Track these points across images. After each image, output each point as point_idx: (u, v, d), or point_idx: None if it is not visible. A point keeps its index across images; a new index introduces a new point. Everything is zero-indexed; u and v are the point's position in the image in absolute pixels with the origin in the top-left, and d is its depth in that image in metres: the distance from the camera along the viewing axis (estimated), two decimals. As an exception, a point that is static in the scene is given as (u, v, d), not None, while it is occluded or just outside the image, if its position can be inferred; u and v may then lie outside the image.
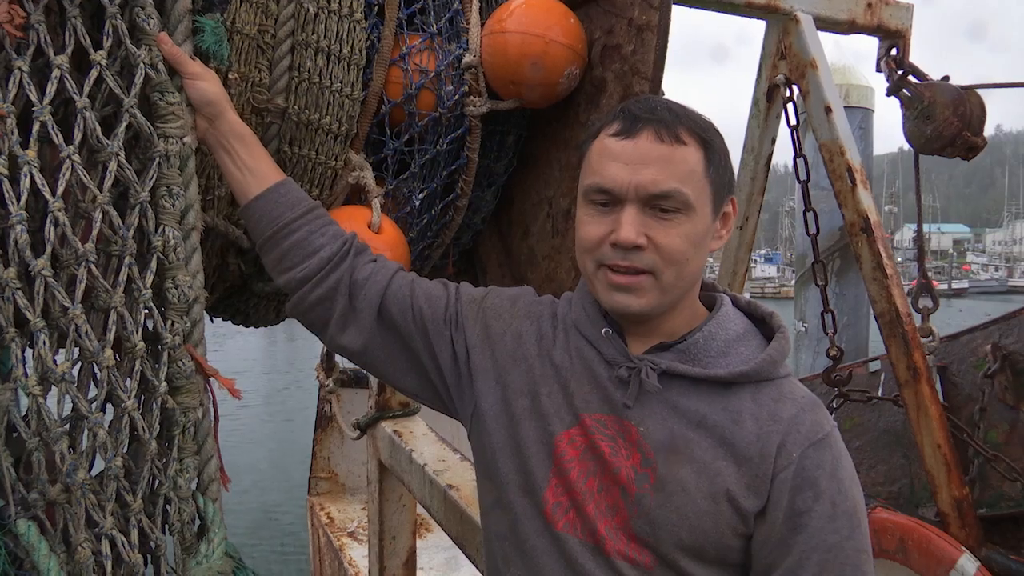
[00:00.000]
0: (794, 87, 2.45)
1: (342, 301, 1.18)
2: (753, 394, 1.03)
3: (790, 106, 2.48)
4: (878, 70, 2.71)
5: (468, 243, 1.95)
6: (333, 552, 3.79)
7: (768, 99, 2.56)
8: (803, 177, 2.56)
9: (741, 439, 1.00)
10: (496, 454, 1.09)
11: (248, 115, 1.40)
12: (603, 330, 1.08)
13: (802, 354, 4.92)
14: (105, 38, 1.05)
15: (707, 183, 1.02)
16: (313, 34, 1.41)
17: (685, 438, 1.01)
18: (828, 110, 2.36)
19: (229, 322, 1.93)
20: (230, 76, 1.35)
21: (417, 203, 1.61)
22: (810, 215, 2.60)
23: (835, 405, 2.78)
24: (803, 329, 4.95)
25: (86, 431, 0.97)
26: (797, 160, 2.54)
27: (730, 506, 0.99)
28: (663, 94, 1.75)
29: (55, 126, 0.99)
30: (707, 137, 1.03)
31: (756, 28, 2.63)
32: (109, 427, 1.01)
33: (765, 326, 1.11)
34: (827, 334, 2.63)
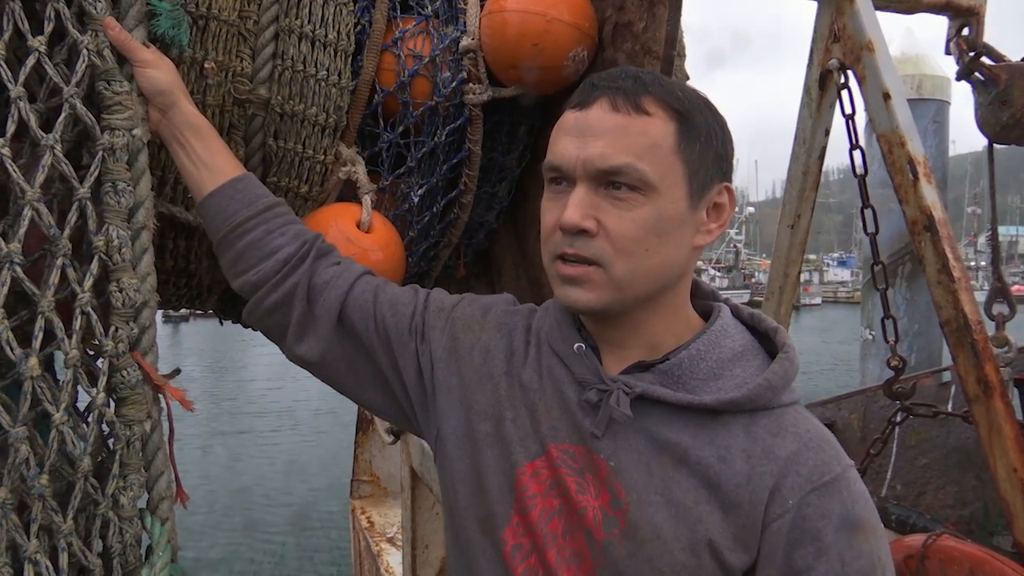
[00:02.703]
0: (849, 72, 2.24)
1: (299, 307, 1.07)
2: (747, 426, 0.87)
3: (844, 93, 2.27)
4: (947, 52, 2.47)
5: (483, 242, 1.83)
6: (371, 557, 3.74)
7: (820, 86, 2.35)
8: (860, 171, 2.35)
9: (728, 480, 0.84)
10: (456, 484, 0.97)
11: (230, 107, 1.32)
12: (575, 346, 0.94)
13: (869, 363, 4.61)
14: (47, 22, 0.98)
15: (678, 161, 0.87)
16: (297, 19, 1.32)
17: (662, 476, 0.86)
18: (887, 97, 2.14)
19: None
20: (206, 65, 1.27)
21: (416, 200, 1.50)
22: (868, 212, 2.39)
23: (898, 420, 2.56)
24: (870, 337, 4.64)
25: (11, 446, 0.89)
26: (853, 152, 2.33)
27: (713, 560, 0.83)
28: (686, 77, 1.60)
29: (-16, 117, 0.92)
30: (682, 109, 0.87)
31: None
32: (48, 442, 0.93)
33: (771, 343, 0.94)
34: (888, 342, 2.41)
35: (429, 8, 1.41)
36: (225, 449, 11.75)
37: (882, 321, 2.42)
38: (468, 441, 0.97)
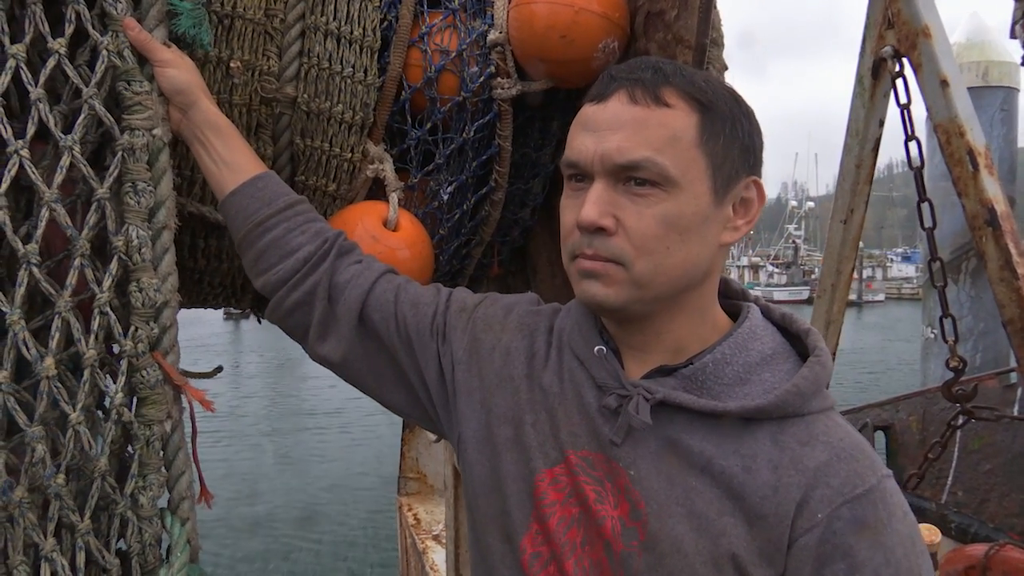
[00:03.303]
0: (904, 60, 2.14)
1: (320, 306, 1.06)
2: (774, 434, 0.82)
3: (899, 82, 2.17)
4: (1012, 36, 2.35)
5: (518, 240, 1.80)
6: (417, 554, 3.75)
7: (874, 75, 2.25)
8: (916, 163, 2.24)
9: (754, 491, 0.80)
10: (476, 488, 0.94)
11: (257, 106, 1.32)
12: (595, 348, 0.90)
13: (931, 363, 4.43)
14: (67, 24, 0.98)
15: (700, 154, 0.82)
16: (323, 16, 1.31)
17: (684, 486, 0.82)
18: (944, 84, 2.03)
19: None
20: (232, 64, 1.27)
21: (446, 197, 1.48)
22: (925, 206, 2.28)
23: (958, 423, 2.44)
24: (932, 336, 4.45)
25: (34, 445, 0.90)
26: (909, 144, 2.23)
27: (737, 575, 0.79)
28: (724, 70, 1.54)
29: (4, 119, 0.93)
30: (705, 100, 0.83)
31: None
32: (65, 441, 0.94)
33: (803, 345, 0.89)
34: (947, 342, 2.30)
35: (456, 2, 1.39)
36: (275, 447, 11.98)
37: (940, 320, 2.31)
38: (488, 445, 0.94)
